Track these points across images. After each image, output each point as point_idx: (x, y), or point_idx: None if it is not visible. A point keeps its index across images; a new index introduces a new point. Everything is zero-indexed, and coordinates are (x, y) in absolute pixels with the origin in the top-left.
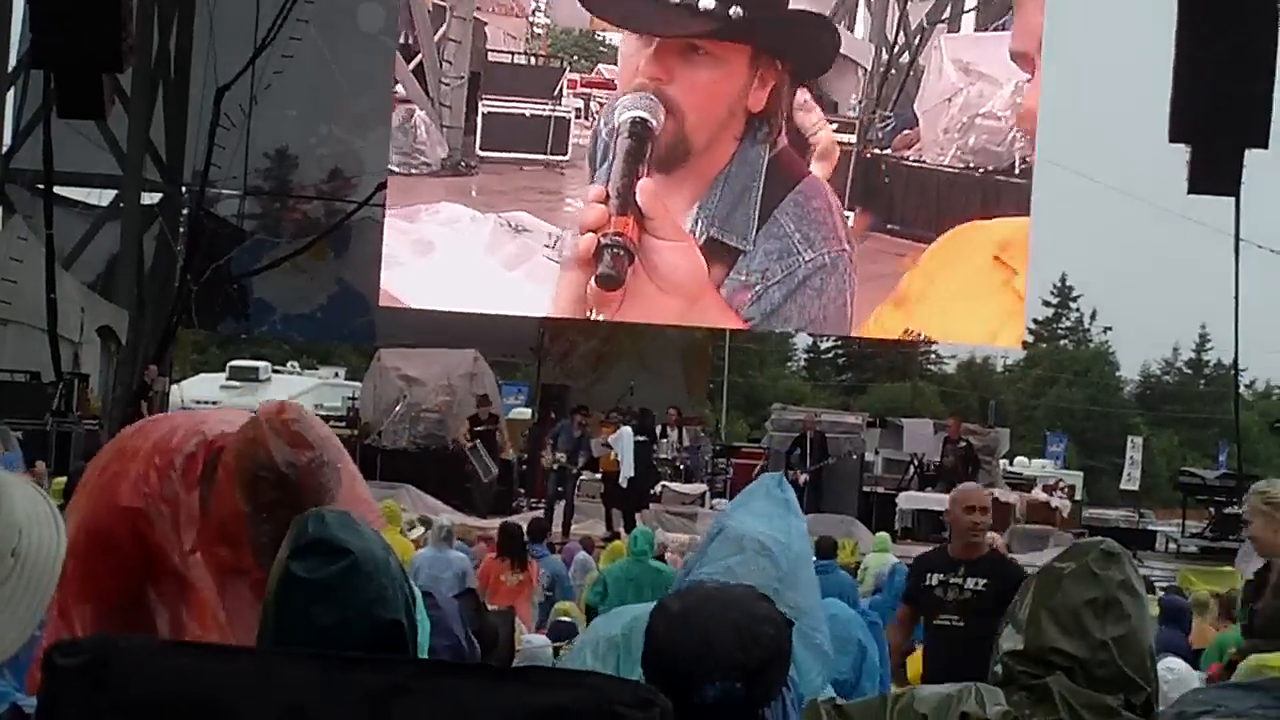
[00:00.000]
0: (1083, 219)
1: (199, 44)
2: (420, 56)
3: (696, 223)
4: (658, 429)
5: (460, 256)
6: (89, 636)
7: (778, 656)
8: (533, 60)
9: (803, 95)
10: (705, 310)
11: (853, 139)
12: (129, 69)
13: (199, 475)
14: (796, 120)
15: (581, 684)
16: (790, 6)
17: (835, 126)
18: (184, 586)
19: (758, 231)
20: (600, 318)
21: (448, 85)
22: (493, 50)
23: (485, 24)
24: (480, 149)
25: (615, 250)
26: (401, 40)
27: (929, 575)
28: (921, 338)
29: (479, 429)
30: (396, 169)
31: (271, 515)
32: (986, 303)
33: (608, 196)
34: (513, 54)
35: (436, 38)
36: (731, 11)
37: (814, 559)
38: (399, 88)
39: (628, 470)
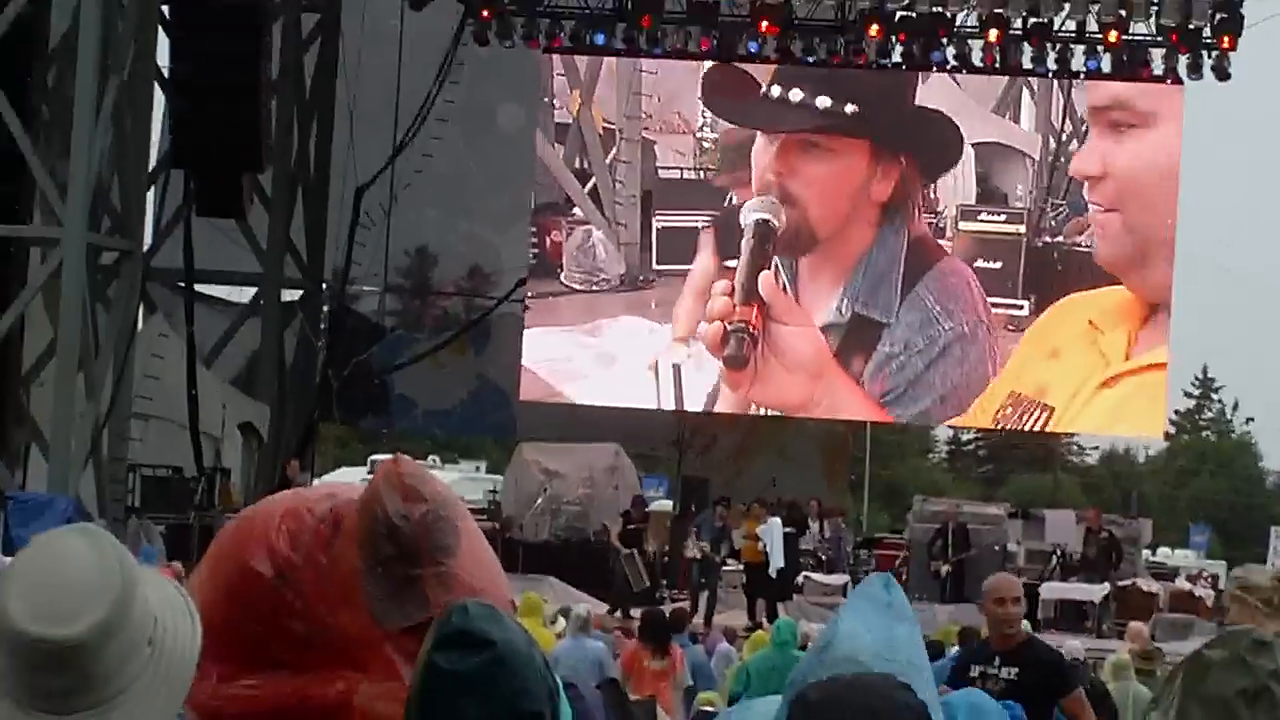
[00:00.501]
0: (1225, 310)
1: (339, 143)
2: (594, 180)
3: (842, 301)
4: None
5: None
6: None
7: None
8: (702, 174)
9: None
10: (831, 387)
11: (1022, 229)
12: (268, 168)
13: (329, 538)
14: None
15: None
16: (916, 103)
17: (1004, 218)
18: (323, 646)
19: (900, 306)
20: (724, 405)
21: (621, 204)
22: (662, 167)
23: (654, 143)
24: (656, 263)
25: (740, 334)
26: (576, 165)
27: (971, 668)
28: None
29: (631, 528)
30: (579, 287)
31: (387, 571)
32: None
33: (734, 289)
34: (681, 170)
35: (608, 160)
36: (847, 108)
37: (951, 646)
38: (576, 210)
39: (776, 561)
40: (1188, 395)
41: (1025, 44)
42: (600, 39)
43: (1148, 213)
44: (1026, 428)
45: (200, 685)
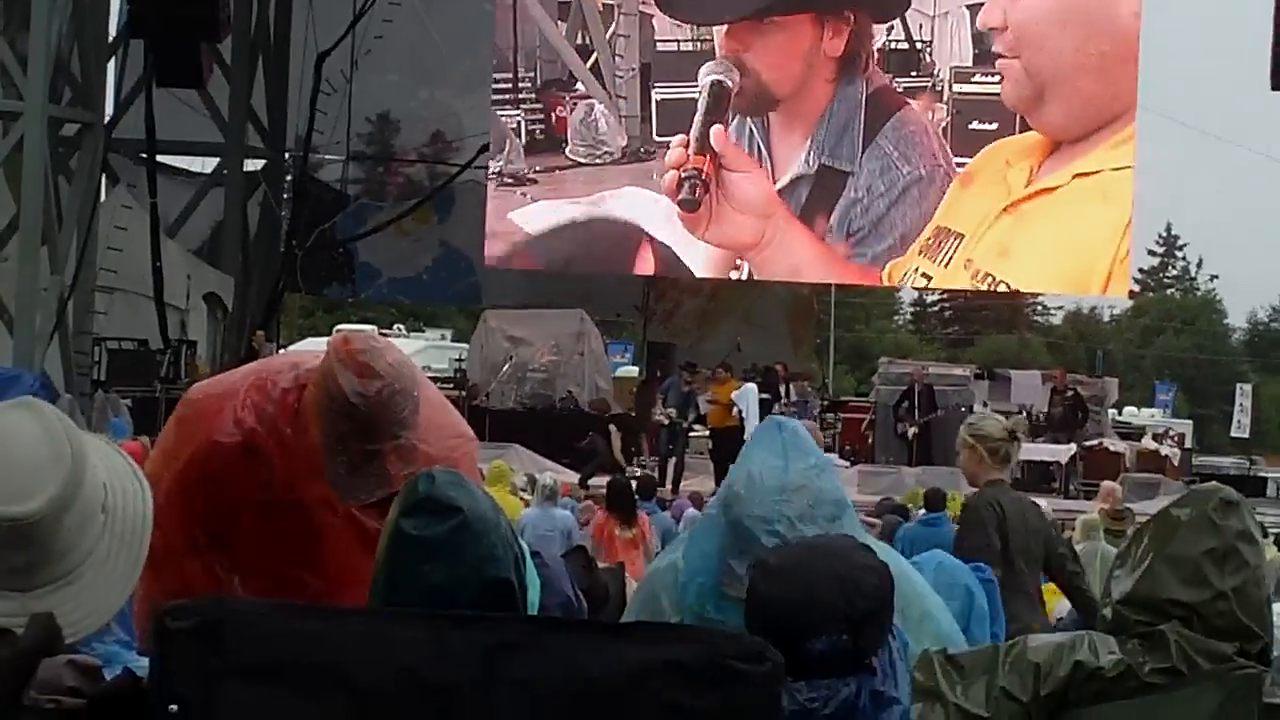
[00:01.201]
0: (1187, 167)
1: (299, 11)
2: (595, 55)
3: (809, 153)
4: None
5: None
6: (201, 599)
7: (882, 605)
8: (698, 46)
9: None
10: (779, 226)
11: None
12: (228, 37)
13: (294, 408)
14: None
15: (692, 638)
16: None
17: (998, 79)
18: (310, 518)
19: (862, 155)
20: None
21: (622, 78)
22: (660, 40)
23: (652, 16)
24: (656, 134)
25: (692, 180)
26: (578, 41)
27: None
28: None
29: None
30: (583, 160)
31: (345, 447)
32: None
33: (688, 142)
34: (679, 42)
35: (608, 35)
36: None
37: (919, 509)
38: (579, 85)
39: (753, 426)
40: (1151, 254)
41: None
42: None
43: (1040, 56)
44: (941, 259)
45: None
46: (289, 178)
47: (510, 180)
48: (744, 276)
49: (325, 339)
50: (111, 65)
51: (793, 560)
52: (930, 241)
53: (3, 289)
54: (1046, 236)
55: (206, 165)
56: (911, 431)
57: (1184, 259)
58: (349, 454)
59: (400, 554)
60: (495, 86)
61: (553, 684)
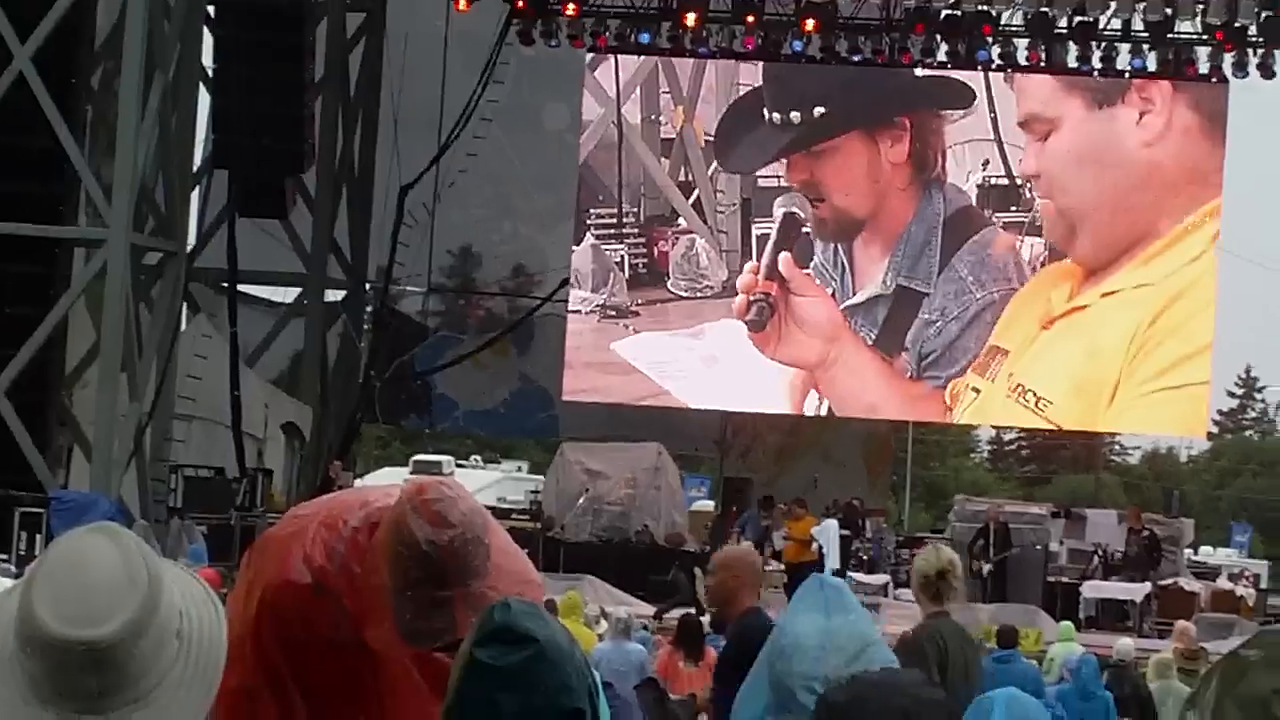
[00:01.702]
0: (1268, 308)
1: (383, 143)
2: (697, 190)
3: (887, 274)
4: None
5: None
6: None
7: None
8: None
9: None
10: (844, 348)
11: None
12: (312, 169)
13: (365, 548)
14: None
15: None
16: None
17: None
18: (377, 659)
19: (939, 277)
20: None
21: (723, 213)
22: (761, 176)
23: None
24: None
25: (760, 303)
26: (680, 178)
27: None
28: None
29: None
30: (684, 294)
31: (415, 593)
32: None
33: (759, 269)
34: (778, 178)
35: (709, 171)
36: (816, 112)
37: (989, 646)
38: (681, 220)
39: (833, 562)
40: (1231, 395)
41: (1070, 43)
42: (645, 38)
43: (1068, 197)
44: (989, 374)
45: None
46: (369, 309)
47: (614, 312)
48: (822, 413)
49: (401, 469)
50: (195, 195)
51: (858, 696)
52: (983, 359)
53: (82, 415)
54: (1074, 357)
55: (287, 295)
56: (987, 569)
57: (1263, 400)
58: (418, 600)
59: (475, 683)
60: (599, 220)
61: None
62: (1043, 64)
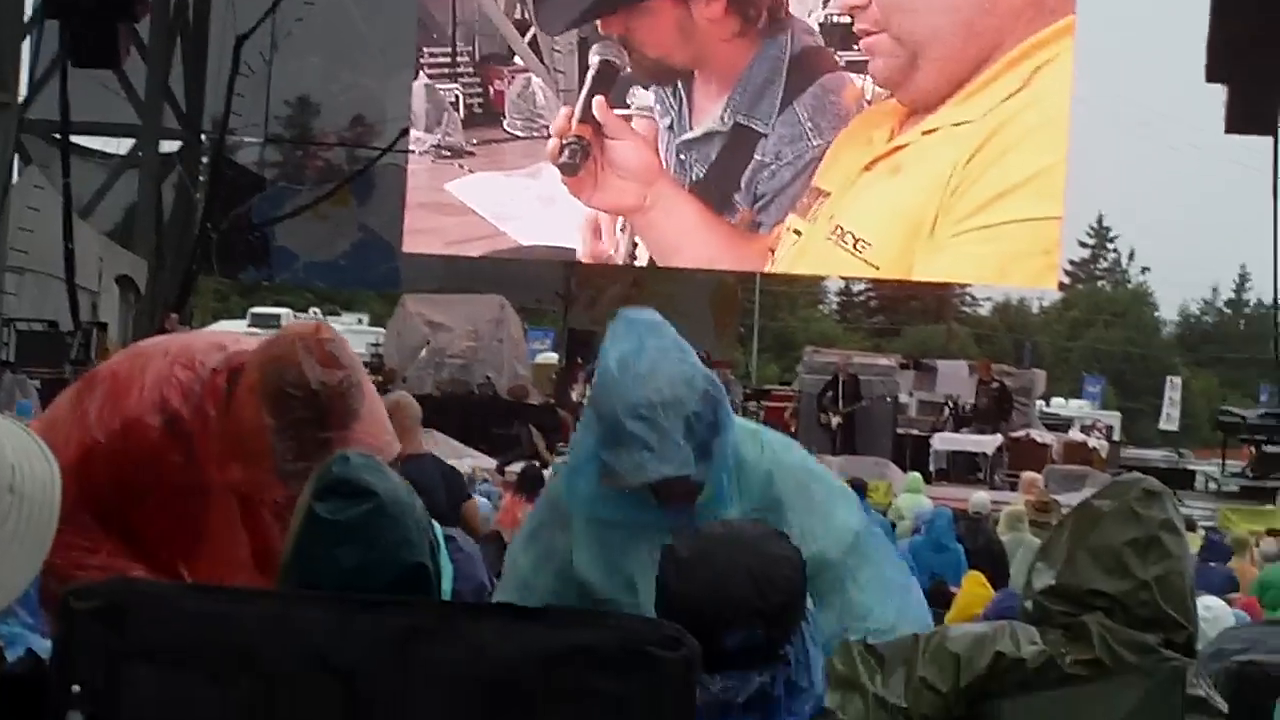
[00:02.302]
0: (1119, 158)
1: None
2: (533, 29)
3: (725, 110)
4: None
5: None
6: (105, 580)
7: (795, 596)
8: None
9: None
10: (661, 192)
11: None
12: (145, 17)
13: (223, 390)
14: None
15: (606, 623)
16: None
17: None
18: (201, 496)
19: (777, 118)
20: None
21: (559, 52)
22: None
23: None
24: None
25: (573, 146)
26: (516, 16)
27: None
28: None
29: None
30: (520, 134)
31: (298, 433)
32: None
33: (572, 113)
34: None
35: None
36: None
37: None
38: (516, 59)
39: None
40: (1082, 245)
41: None
42: None
43: (911, 21)
44: (809, 216)
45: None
46: (205, 160)
47: (448, 153)
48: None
49: (239, 322)
50: (26, 45)
51: (703, 553)
52: (805, 201)
53: None
54: (892, 198)
55: (121, 147)
56: (835, 421)
57: (1115, 251)
58: (300, 440)
59: (313, 537)
60: (432, 60)
61: (463, 668)
62: None
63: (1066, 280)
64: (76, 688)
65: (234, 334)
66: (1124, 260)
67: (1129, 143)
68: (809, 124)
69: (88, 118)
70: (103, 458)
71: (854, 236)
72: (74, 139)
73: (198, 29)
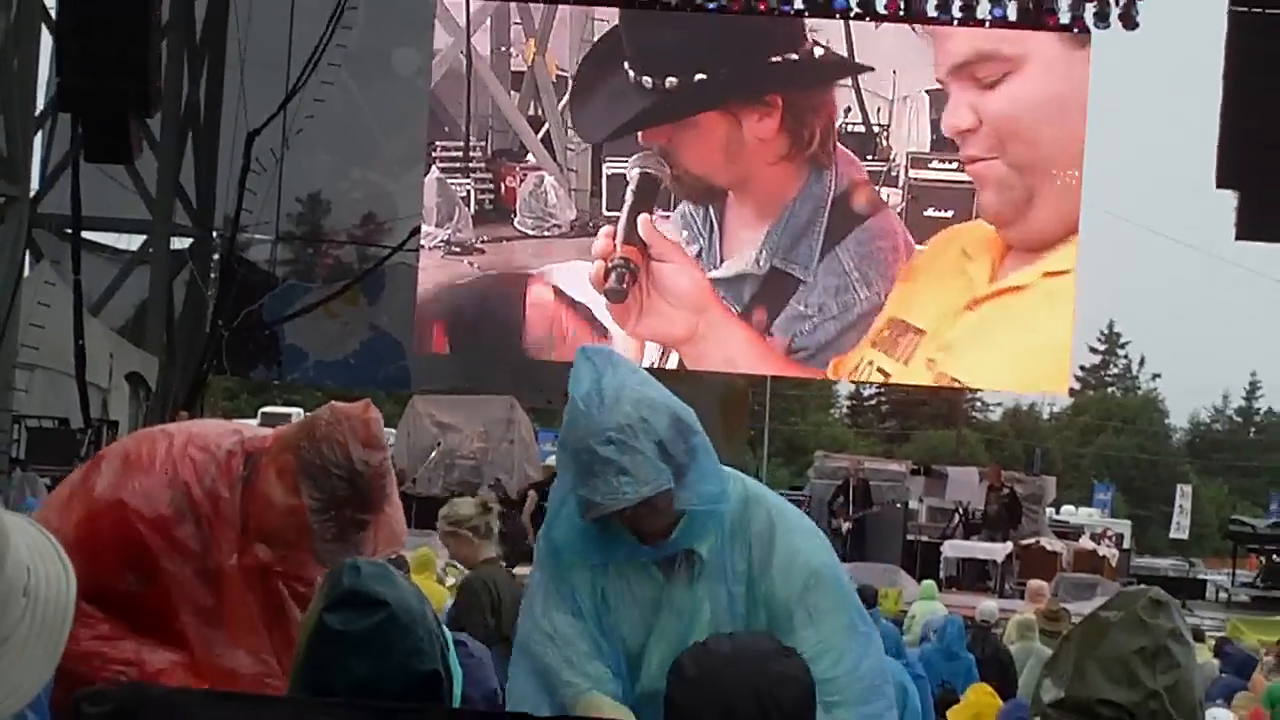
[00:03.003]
0: (1130, 266)
1: (230, 88)
2: (547, 126)
3: (761, 251)
4: None
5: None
6: (119, 685)
7: (803, 715)
8: None
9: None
10: (713, 322)
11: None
12: (158, 113)
13: (238, 474)
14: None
15: None
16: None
17: (956, 165)
18: (215, 580)
19: (819, 264)
20: (617, 343)
21: (573, 151)
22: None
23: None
24: (606, 209)
25: (619, 270)
26: (530, 112)
27: None
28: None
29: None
30: (531, 232)
31: (338, 513)
32: (1033, 348)
33: (615, 233)
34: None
35: (560, 107)
36: (696, 78)
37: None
38: (529, 157)
39: None
40: (1093, 351)
41: None
42: None
43: (1032, 150)
44: (899, 355)
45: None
46: (216, 257)
47: (458, 249)
48: (674, 366)
49: (249, 420)
50: (39, 138)
51: (710, 671)
52: (885, 334)
53: None
54: (1005, 335)
55: (133, 243)
56: (846, 527)
57: (1126, 357)
58: (340, 521)
59: (325, 647)
60: (445, 154)
61: None
62: (901, 13)
63: (1077, 386)
64: None
65: (243, 423)
66: (1134, 367)
67: (1139, 249)
68: (855, 273)
69: (99, 213)
70: (108, 530)
71: (959, 383)
72: (85, 234)
73: (209, 125)
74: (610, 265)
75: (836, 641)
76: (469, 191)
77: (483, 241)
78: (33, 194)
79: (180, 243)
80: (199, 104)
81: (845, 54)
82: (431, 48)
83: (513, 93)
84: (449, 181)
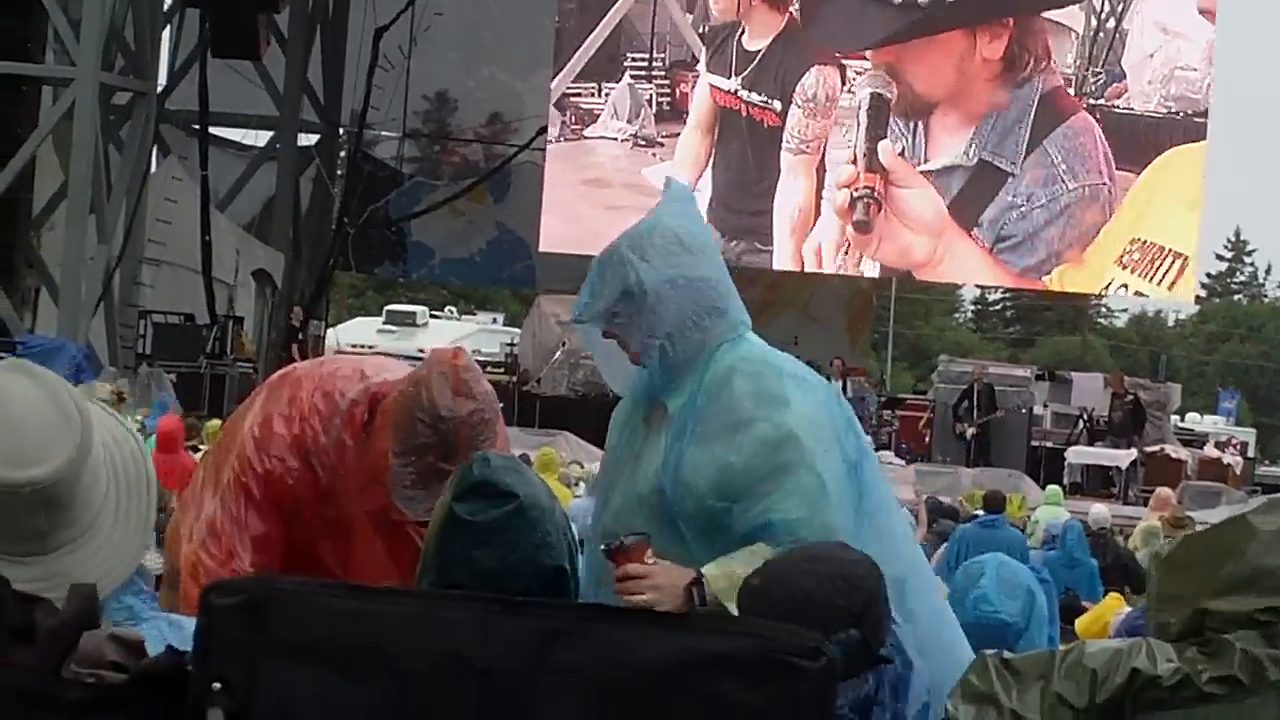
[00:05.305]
0: (1258, 171)
1: None
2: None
3: (970, 146)
4: None
5: None
6: (247, 576)
7: (878, 596)
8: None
9: None
10: (951, 243)
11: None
12: (285, 8)
13: (362, 422)
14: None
15: (746, 631)
16: None
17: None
18: (346, 528)
19: (1025, 158)
20: (851, 264)
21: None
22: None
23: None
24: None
25: (865, 200)
26: (700, 30)
27: None
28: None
29: None
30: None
31: (419, 459)
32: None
33: (855, 158)
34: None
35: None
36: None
37: (976, 509)
38: (699, 67)
39: None
40: (1219, 258)
41: None
42: None
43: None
44: (1158, 279)
45: None
46: (343, 154)
47: (644, 142)
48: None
49: (374, 319)
50: (166, 34)
51: (776, 576)
52: (1135, 256)
53: (50, 258)
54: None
55: (259, 139)
56: (970, 432)
57: (1252, 265)
58: (420, 468)
59: (452, 538)
60: (633, 63)
61: (600, 672)
62: None
63: (1203, 293)
64: (217, 684)
65: (375, 361)
66: (1261, 274)
67: (1268, 155)
68: (1062, 166)
69: (226, 109)
70: (256, 481)
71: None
72: (212, 130)
73: (337, 21)
74: (855, 195)
75: (799, 505)
76: (651, 95)
77: (663, 137)
78: (160, 90)
79: (307, 139)
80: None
81: None
82: None
83: (688, 14)
84: (636, 86)
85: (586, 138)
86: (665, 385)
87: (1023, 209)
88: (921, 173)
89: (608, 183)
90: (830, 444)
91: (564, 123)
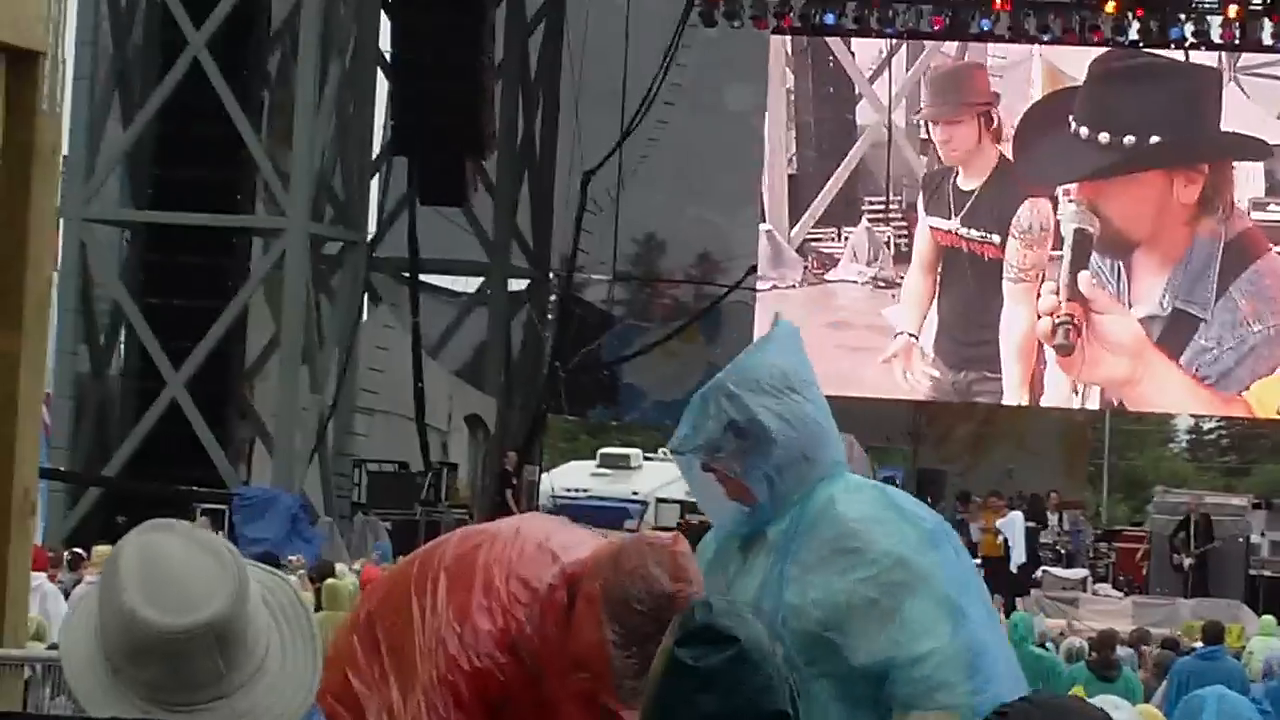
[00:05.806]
0: None
1: (564, 128)
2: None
3: (1164, 295)
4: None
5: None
6: None
7: None
8: None
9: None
10: (1150, 365)
11: None
12: (493, 154)
13: (563, 606)
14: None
15: None
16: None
17: None
18: (554, 709)
19: (1215, 304)
20: (1052, 390)
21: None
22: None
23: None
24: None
25: (1066, 326)
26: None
27: None
28: None
29: None
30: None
31: (641, 649)
32: None
33: (1058, 289)
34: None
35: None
36: (1151, 140)
37: (1194, 641)
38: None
39: (1019, 556)
40: None
41: (1265, 19)
42: (830, 19)
43: None
44: None
45: None
46: (553, 298)
47: (883, 284)
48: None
49: (588, 462)
50: (374, 182)
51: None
52: None
53: (263, 409)
54: None
55: (469, 285)
56: (1188, 563)
57: None
58: (643, 656)
59: (675, 683)
60: (869, 207)
61: None
62: (1237, 41)
63: None
64: None
65: (560, 535)
66: None
67: None
68: (1248, 309)
69: (436, 255)
70: (465, 680)
71: None
72: (423, 277)
73: (544, 165)
74: (1057, 322)
75: (931, 623)
76: (889, 237)
77: (900, 278)
78: (369, 238)
79: (517, 284)
80: (534, 143)
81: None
82: (764, 84)
83: (921, 156)
84: (875, 230)
85: (828, 281)
86: (770, 517)
87: (1214, 353)
88: None
89: (849, 324)
90: (941, 555)
91: (806, 267)
